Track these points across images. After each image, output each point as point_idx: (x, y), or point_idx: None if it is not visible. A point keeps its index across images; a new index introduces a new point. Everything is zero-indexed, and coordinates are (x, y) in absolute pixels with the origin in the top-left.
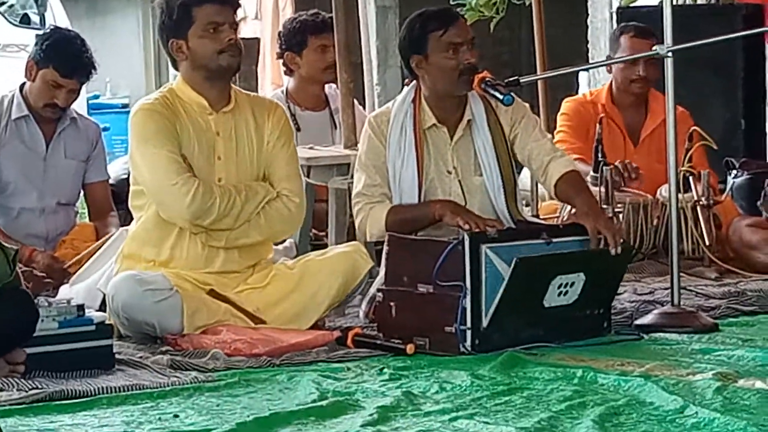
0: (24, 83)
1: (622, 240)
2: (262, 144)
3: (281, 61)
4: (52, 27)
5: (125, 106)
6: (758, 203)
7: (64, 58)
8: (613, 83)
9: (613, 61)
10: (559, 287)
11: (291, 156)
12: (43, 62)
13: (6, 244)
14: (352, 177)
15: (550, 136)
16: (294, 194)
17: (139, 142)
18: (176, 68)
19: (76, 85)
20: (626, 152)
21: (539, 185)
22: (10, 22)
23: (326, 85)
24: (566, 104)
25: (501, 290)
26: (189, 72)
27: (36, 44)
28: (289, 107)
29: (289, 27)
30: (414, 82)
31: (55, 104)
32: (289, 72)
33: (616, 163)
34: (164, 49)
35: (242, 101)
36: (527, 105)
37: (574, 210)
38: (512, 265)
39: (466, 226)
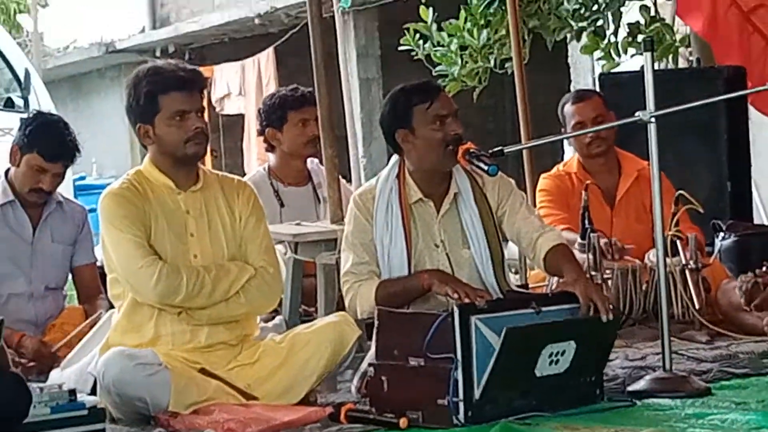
0: (9, 169)
1: (612, 306)
2: (234, 221)
3: (262, 138)
4: (35, 111)
5: None
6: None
7: (48, 142)
8: (577, 152)
9: (597, 128)
10: (550, 356)
11: (264, 231)
12: (27, 147)
13: None
14: (339, 252)
15: (537, 212)
16: (270, 265)
17: (106, 226)
18: (144, 148)
19: (61, 169)
20: (604, 216)
21: None
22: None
23: (308, 160)
24: (543, 180)
25: (492, 361)
26: (156, 155)
27: (19, 129)
28: (272, 184)
29: (268, 103)
30: (397, 156)
31: (40, 189)
32: (270, 148)
33: (602, 242)
34: (132, 129)
35: (210, 180)
36: (513, 181)
37: (563, 279)
38: (502, 335)
39: (455, 295)
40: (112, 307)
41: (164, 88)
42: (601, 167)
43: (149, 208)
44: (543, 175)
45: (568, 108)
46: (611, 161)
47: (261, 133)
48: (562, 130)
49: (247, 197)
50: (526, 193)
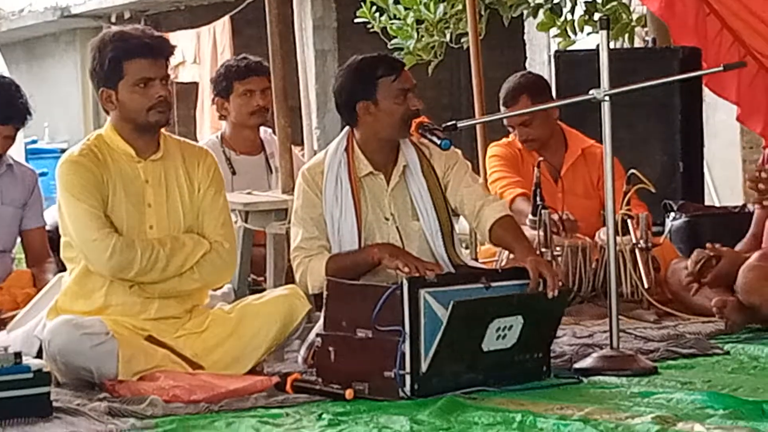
0: None
1: (561, 283)
2: (193, 191)
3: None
4: None
5: (64, 150)
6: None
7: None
8: None
9: (550, 105)
10: (497, 330)
11: (223, 204)
12: None
13: None
14: (290, 222)
15: (481, 180)
16: (226, 240)
17: (63, 194)
18: (106, 112)
19: (11, 132)
20: (551, 191)
21: None
22: None
23: (261, 130)
24: (493, 148)
25: (439, 333)
26: (118, 120)
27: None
28: (224, 151)
29: (217, 73)
30: (346, 129)
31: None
32: (222, 117)
33: (555, 215)
34: (95, 92)
35: (172, 148)
36: (459, 151)
37: (513, 255)
38: (449, 307)
39: (405, 269)
40: (60, 271)
41: (129, 54)
42: (545, 144)
43: (108, 176)
44: (492, 144)
45: (501, 108)
46: (555, 138)
47: (213, 101)
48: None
49: (207, 167)
50: (477, 168)
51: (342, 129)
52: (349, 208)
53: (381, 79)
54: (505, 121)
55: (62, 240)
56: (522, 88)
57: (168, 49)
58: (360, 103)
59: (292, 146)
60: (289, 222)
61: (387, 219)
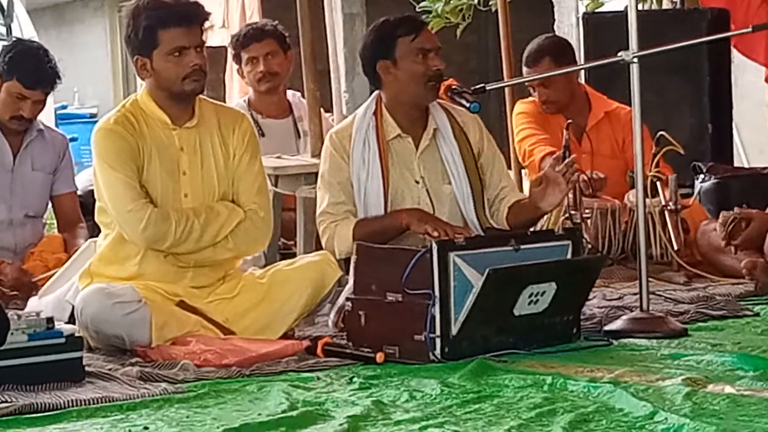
0: None
1: (590, 245)
2: (228, 158)
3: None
4: (15, 39)
5: (93, 115)
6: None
7: (27, 69)
8: None
9: (579, 67)
10: (529, 296)
11: (258, 170)
12: (7, 75)
13: None
14: (317, 189)
15: (518, 135)
16: (261, 208)
17: (98, 162)
18: (142, 78)
19: (41, 96)
20: (577, 152)
21: None
22: None
23: (289, 93)
24: (521, 105)
25: (472, 299)
26: (153, 88)
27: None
28: (252, 115)
29: (234, 37)
30: (376, 92)
31: (21, 116)
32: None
33: (584, 175)
34: (130, 59)
35: (208, 114)
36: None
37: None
38: (484, 275)
39: (435, 234)
40: (91, 236)
41: (164, 22)
42: (569, 108)
43: (143, 144)
44: (520, 101)
45: (524, 69)
46: (578, 99)
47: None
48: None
49: (243, 132)
50: (507, 128)
51: (370, 93)
52: (376, 171)
53: (400, 39)
54: (529, 90)
55: (97, 204)
56: (545, 51)
57: (202, 16)
58: (380, 63)
59: (321, 110)
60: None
61: (417, 182)
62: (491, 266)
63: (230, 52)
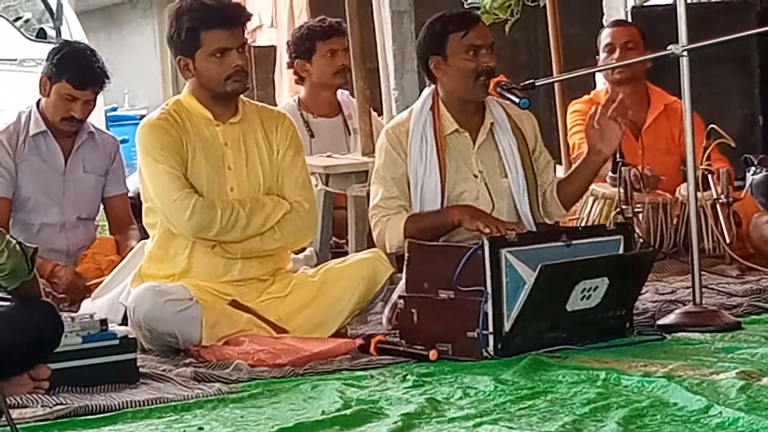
0: (40, 99)
1: (642, 240)
2: (272, 153)
3: (292, 71)
4: (62, 41)
5: (144, 117)
6: None
7: (75, 70)
8: (606, 82)
9: (629, 62)
10: (582, 291)
11: (302, 165)
12: (56, 76)
13: (25, 243)
14: (370, 184)
15: (570, 135)
16: (306, 200)
17: (143, 156)
18: (185, 78)
19: (91, 96)
20: (632, 148)
21: None
22: (27, 37)
23: (338, 92)
24: (574, 104)
25: (524, 296)
26: (196, 87)
27: (47, 59)
28: (302, 114)
29: (296, 35)
30: (432, 87)
31: (72, 117)
32: (299, 80)
33: (635, 170)
34: (173, 59)
35: (250, 112)
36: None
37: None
38: (536, 271)
39: (486, 230)
40: (143, 237)
41: (206, 24)
42: (629, 99)
43: (187, 140)
44: (573, 101)
45: (604, 32)
46: (640, 94)
47: (291, 65)
48: (597, 57)
49: (285, 129)
50: (557, 124)
51: (420, 90)
52: (434, 166)
53: (451, 35)
54: (605, 42)
55: (144, 206)
56: (632, 23)
57: (244, 17)
58: (432, 59)
59: (371, 108)
60: (370, 184)
61: (475, 176)
62: (543, 262)
63: (294, 45)
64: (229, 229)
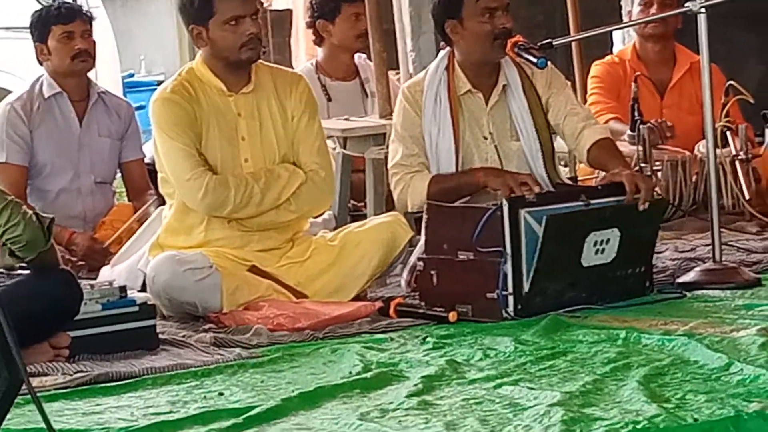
0: (47, 65)
1: (661, 197)
2: (287, 120)
3: (311, 31)
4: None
5: (160, 83)
6: None
7: (56, 13)
8: (636, 37)
9: (647, 19)
10: (594, 245)
11: (318, 130)
12: (44, 31)
13: (42, 213)
14: (388, 147)
15: (587, 98)
16: (322, 168)
17: (157, 132)
18: (197, 47)
19: (85, 26)
20: (655, 106)
21: None
22: (42, 4)
23: (355, 55)
24: (596, 67)
25: (537, 249)
26: (209, 56)
27: (30, 33)
28: (319, 78)
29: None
30: (447, 48)
31: (79, 50)
32: (318, 41)
33: (651, 122)
34: (185, 28)
35: (264, 78)
36: (562, 75)
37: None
38: (543, 222)
39: (507, 190)
40: (161, 203)
41: None
42: (656, 56)
43: (200, 112)
44: (596, 62)
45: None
46: (667, 51)
47: (311, 25)
48: (629, 11)
49: (300, 93)
50: (575, 85)
51: (437, 51)
52: (447, 127)
53: None
54: (644, 2)
55: (159, 176)
56: None
57: None
58: (448, 22)
59: (388, 71)
60: (388, 147)
61: (485, 138)
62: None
63: (319, 4)
64: (243, 206)
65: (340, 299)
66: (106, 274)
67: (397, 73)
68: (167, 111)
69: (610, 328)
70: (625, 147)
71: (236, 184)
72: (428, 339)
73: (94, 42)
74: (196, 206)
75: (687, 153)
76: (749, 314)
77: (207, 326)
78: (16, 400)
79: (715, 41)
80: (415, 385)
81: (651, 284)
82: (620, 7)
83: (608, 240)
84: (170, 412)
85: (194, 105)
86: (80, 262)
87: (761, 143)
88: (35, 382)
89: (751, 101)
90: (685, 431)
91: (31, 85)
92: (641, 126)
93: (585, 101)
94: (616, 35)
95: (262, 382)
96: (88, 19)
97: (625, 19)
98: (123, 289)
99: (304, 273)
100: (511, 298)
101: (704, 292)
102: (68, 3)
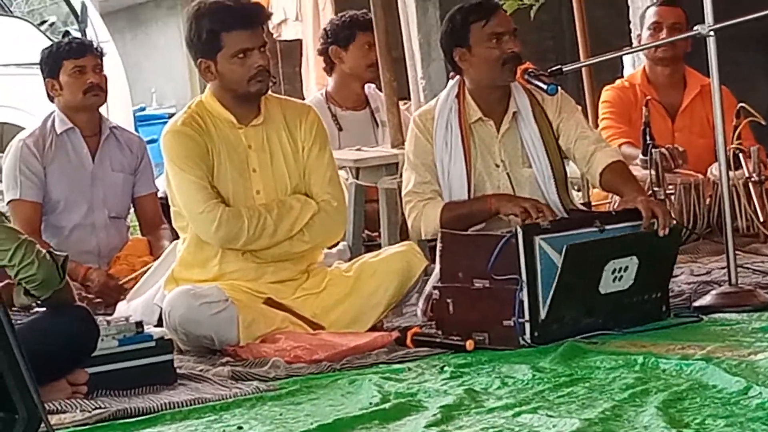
0: (56, 103)
1: (674, 220)
2: (297, 152)
3: (322, 58)
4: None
5: (172, 116)
6: None
7: (67, 48)
8: (645, 60)
9: (656, 43)
10: (613, 272)
11: (328, 161)
12: (55, 66)
13: (55, 251)
14: (401, 176)
15: (599, 123)
16: (334, 198)
17: (168, 164)
18: (206, 80)
19: (95, 61)
20: (666, 130)
21: None
22: (52, 41)
23: (365, 85)
24: (606, 92)
25: (555, 278)
26: (218, 89)
27: (40, 69)
28: (329, 108)
29: (337, 22)
30: (457, 77)
31: (91, 84)
32: (329, 69)
33: (663, 149)
34: (193, 62)
35: (273, 110)
36: (572, 100)
37: (623, 198)
38: (563, 252)
39: (524, 216)
40: (175, 237)
41: (227, 25)
42: (666, 80)
43: (211, 144)
44: (606, 87)
45: (651, 9)
46: (677, 75)
47: (323, 52)
48: (638, 35)
49: (310, 124)
50: (586, 109)
51: (447, 78)
52: (459, 155)
53: (473, 25)
54: (653, 20)
55: (172, 209)
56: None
57: (264, 17)
58: (456, 50)
59: (398, 100)
60: (401, 176)
61: (497, 165)
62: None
63: (334, 30)
64: (257, 238)
65: (357, 330)
66: (122, 309)
67: (406, 103)
68: (179, 144)
69: (627, 353)
70: (637, 171)
71: (249, 215)
72: (446, 368)
73: (106, 77)
74: (210, 239)
75: (700, 176)
76: (766, 337)
77: (224, 360)
78: None
79: (725, 63)
80: (434, 414)
81: (668, 309)
82: (630, 31)
83: (626, 267)
84: None
85: (205, 137)
86: (97, 299)
87: None
88: (54, 419)
89: (763, 123)
90: None
91: (43, 122)
92: (653, 150)
93: (596, 126)
94: (626, 58)
95: (280, 414)
96: (99, 54)
97: (634, 42)
98: (139, 324)
99: (320, 304)
100: (527, 326)
101: (721, 315)
102: (79, 38)
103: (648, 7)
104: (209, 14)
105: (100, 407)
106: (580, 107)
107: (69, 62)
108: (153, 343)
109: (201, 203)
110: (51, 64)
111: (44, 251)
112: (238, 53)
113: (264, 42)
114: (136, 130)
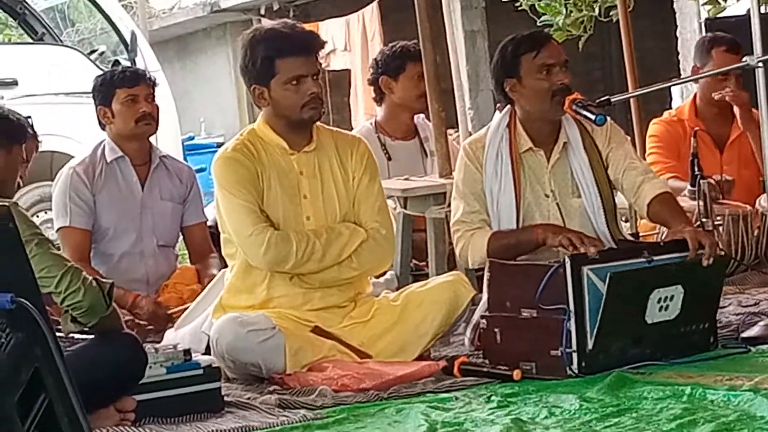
0: (107, 131)
1: (723, 252)
2: (348, 181)
3: (372, 88)
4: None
5: (220, 145)
6: None
7: (121, 77)
8: (698, 95)
9: (703, 75)
10: (658, 301)
11: (378, 191)
12: (108, 94)
13: (101, 278)
14: (449, 206)
15: (643, 161)
16: (383, 226)
17: (219, 190)
18: (259, 108)
19: (148, 90)
20: (715, 162)
21: None
22: (102, 70)
23: (414, 115)
24: (654, 126)
25: (600, 307)
26: (270, 116)
27: (92, 98)
28: (378, 137)
29: (388, 52)
30: (508, 107)
31: (143, 113)
32: (378, 99)
33: (710, 179)
34: (246, 88)
35: (325, 139)
36: (621, 130)
37: (671, 229)
38: (607, 280)
39: (570, 248)
40: (224, 266)
41: (282, 52)
42: (715, 112)
43: (262, 170)
44: (654, 121)
45: (722, 54)
46: (726, 107)
47: (373, 82)
48: (695, 64)
49: (361, 155)
50: (634, 140)
51: (494, 108)
52: (509, 184)
53: (523, 56)
54: (720, 66)
55: (222, 237)
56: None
57: (318, 45)
58: (507, 81)
59: (446, 130)
60: (448, 206)
61: (547, 196)
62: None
63: (385, 59)
64: (305, 261)
65: (404, 359)
66: (170, 337)
67: (454, 132)
68: (229, 169)
69: (675, 384)
70: (685, 202)
71: (298, 239)
72: (493, 397)
73: (158, 106)
74: (259, 262)
75: (748, 207)
76: None
77: (271, 388)
78: None
79: None
80: None
81: (715, 339)
82: (678, 62)
83: (672, 297)
84: None
85: (256, 163)
86: (149, 327)
87: None
88: None
89: None
90: None
91: (94, 150)
92: (701, 181)
93: (644, 158)
94: (675, 89)
95: None
96: (152, 84)
97: (683, 73)
98: (187, 352)
99: (367, 333)
100: (575, 356)
101: None
102: (132, 67)
103: (713, 46)
104: (264, 41)
105: None
106: (629, 138)
107: (122, 91)
108: (201, 371)
109: (250, 226)
110: (104, 91)
111: (90, 278)
112: (291, 80)
113: (318, 70)
114: (185, 158)
